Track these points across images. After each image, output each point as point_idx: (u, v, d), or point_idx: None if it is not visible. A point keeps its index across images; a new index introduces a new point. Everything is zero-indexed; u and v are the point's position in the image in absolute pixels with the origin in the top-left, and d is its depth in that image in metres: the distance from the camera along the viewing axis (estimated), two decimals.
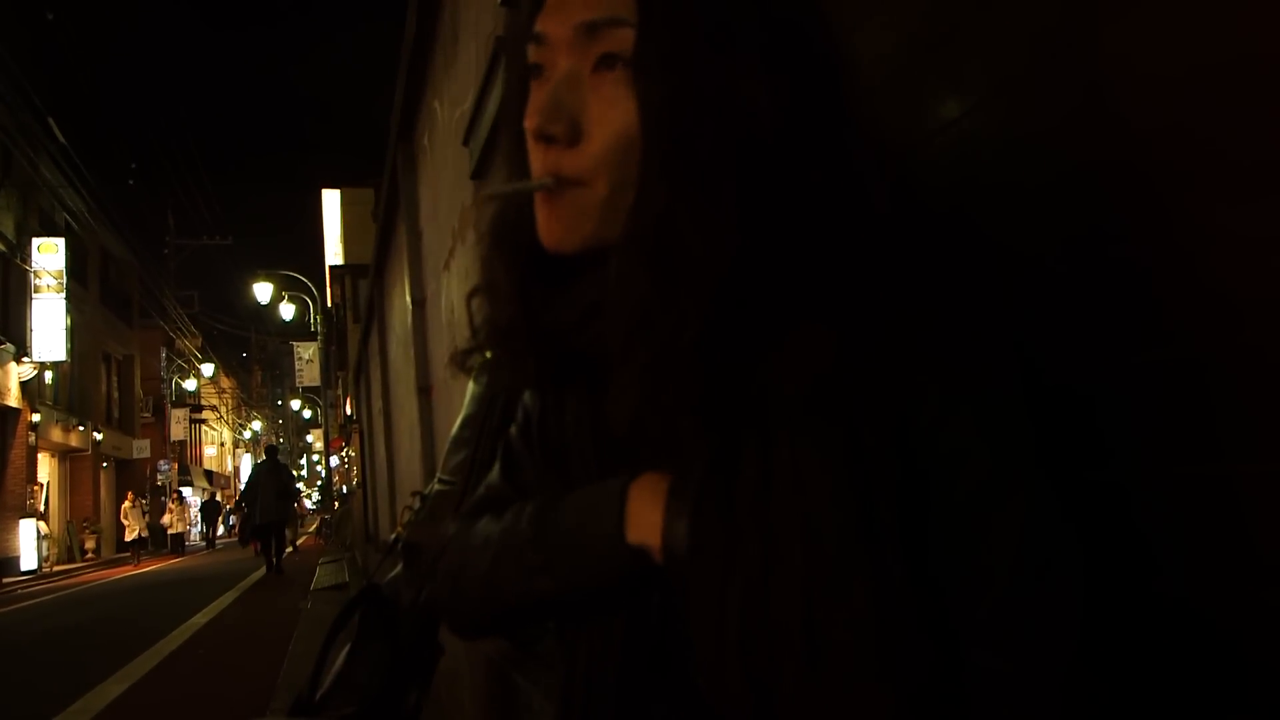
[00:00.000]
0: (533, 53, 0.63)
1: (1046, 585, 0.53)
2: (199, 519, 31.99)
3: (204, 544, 28.99)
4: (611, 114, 0.58)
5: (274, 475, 12.83)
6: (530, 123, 0.60)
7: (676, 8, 0.57)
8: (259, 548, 13.05)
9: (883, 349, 0.55)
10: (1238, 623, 0.57)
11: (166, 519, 24.95)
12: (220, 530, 30.18)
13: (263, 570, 12.95)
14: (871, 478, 0.53)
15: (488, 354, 0.71)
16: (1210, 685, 0.59)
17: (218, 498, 33.75)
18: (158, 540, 24.43)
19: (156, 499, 27.99)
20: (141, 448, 27.37)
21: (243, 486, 13.45)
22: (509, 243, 0.67)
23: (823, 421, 0.54)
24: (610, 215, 0.59)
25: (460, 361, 0.72)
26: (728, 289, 0.55)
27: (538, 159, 0.61)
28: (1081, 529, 0.54)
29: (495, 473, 0.77)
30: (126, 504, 20.96)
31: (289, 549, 13.57)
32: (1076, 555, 0.54)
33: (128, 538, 20.33)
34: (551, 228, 0.61)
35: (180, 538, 24.95)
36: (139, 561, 19.46)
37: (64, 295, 19.97)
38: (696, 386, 0.56)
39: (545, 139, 0.60)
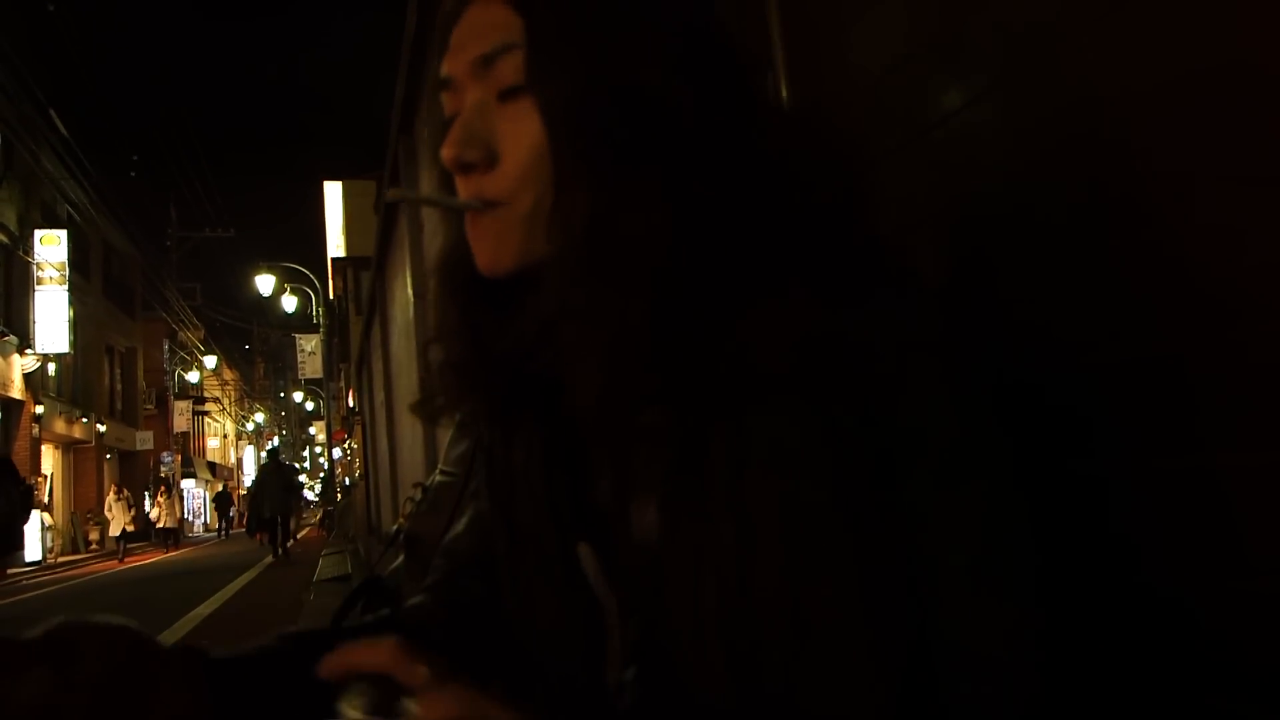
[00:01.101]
0: (445, 99, 0.64)
1: (1000, 567, 0.54)
2: (204, 510, 31.91)
3: (215, 534, 28.71)
4: (521, 131, 0.60)
5: (277, 474, 14.38)
6: (446, 154, 0.61)
7: (560, 15, 0.58)
8: (265, 538, 14.26)
9: (845, 329, 0.56)
10: (1219, 614, 0.58)
11: (154, 512, 22.61)
12: (221, 522, 29.86)
13: (266, 560, 13.47)
14: (847, 455, 0.54)
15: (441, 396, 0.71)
16: (1191, 675, 0.60)
17: (227, 489, 33.38)
18: (157, 535, 23.86)
19: (159, 490, 28.07)
20: (145, 439, 27.44)
21: (248, 482, 15.76)
22: (455, 278, 0.67)
23: (796, 399, 0.55)
24: (538, 229, 0.60)
25: (420, 410, 0.71)
26: (666, 269, 0.55)
27: (462, 188, 0.63)
28: (1063, 519, 0.55)
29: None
30: (110, 496, 19.95)
31: (290, 541, 15.02)
32: (1030, 536, 0.55)
33: (112, 532, 19.41)
34: (483, 249, 0.63)
35: (172, 532, 22.53)
36: (123, 559, 18.29)
37: (67, 287, 20.00)
38: (654, 373, 0.56)
39: (462, 167, 0.61)
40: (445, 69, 0.64)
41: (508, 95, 0.60)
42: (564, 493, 0.65)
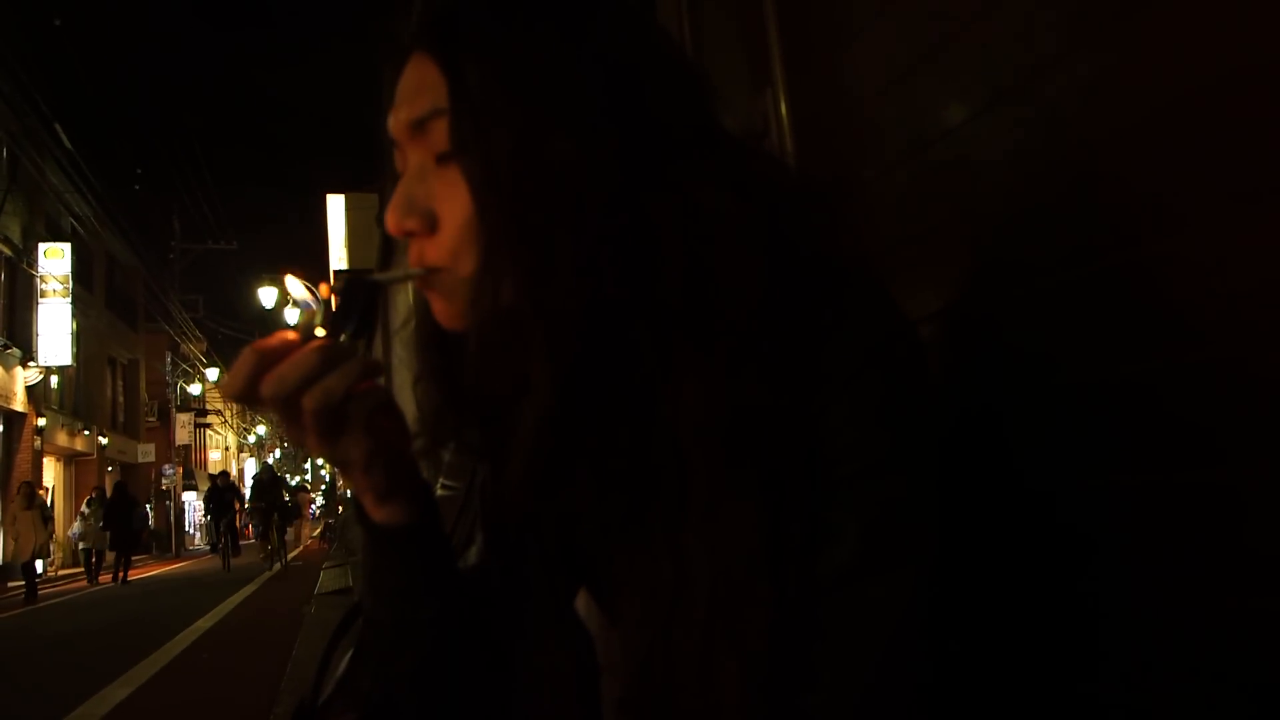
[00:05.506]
0: (395, 156, 0.65)
1: (884, 581, 0.55)
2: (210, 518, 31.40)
3: (211, 550, 27.34)
4: (457, 196, 0.59)
5: (273, 488, 20.06)
6: (388, 221, 0.61)
7: (485, 81, 0.57)
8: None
9: (773, 383, 0.55)
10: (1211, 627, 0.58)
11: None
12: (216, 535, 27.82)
13: (264, 575, 14.29)
14: (786, 500, 0.54)
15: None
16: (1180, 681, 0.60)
17: (229, 480, 32.54)
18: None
19: (161, 503, 27.94)
20: (146, 452, 27.38)
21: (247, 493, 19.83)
22: (428, 327, 0.68)
23: (738, 452, 0.55)
24: None
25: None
26: (583, 337, 0.55)
27: (410, 252, 0.63)
28: (1047, 530, 0.55)
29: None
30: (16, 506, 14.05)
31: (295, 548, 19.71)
32: (929, 543, 0.56)
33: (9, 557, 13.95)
34: (437, 309, 0.64)
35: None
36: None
37: (70, 300, 19.99)
38: (582, 435, 0.57)
39: (405, 234, 0.62)
40: (389, 127, 0.63)
41: (443, 159, 0.60)
42: (552, 530, 0.66)
